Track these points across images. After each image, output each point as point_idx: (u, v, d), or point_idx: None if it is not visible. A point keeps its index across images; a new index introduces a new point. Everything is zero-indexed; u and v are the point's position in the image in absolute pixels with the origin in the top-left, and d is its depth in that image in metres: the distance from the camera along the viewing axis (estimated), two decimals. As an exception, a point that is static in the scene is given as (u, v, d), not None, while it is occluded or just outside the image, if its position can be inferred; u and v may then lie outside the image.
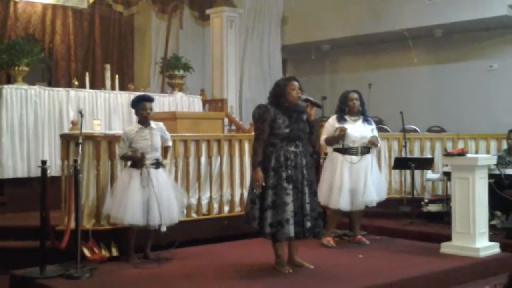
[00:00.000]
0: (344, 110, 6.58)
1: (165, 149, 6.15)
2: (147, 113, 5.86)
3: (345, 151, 6.45)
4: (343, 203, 6.38)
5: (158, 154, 5.88)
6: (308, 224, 5.20)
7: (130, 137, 5.80)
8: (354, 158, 6.46)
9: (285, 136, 5.21)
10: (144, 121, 5.88)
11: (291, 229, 5.11)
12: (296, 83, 5.33)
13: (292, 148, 5.25)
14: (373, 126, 6.79)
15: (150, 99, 6.02)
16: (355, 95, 6.62)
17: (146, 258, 5.89)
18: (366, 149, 6.56)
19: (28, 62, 8.52)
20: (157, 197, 5.68)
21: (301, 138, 5.31)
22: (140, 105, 5.90)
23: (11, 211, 7.57)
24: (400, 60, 12.94)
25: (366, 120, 6.64)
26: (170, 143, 6.18)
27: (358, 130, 6.52)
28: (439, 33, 12.07)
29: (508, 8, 10.58)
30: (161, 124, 6.07)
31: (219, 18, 11.36)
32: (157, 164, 5.85)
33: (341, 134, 6.37)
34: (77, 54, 11.20)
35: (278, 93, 5.33)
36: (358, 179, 6.48)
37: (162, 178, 5.85)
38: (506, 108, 10.47)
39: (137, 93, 8.17)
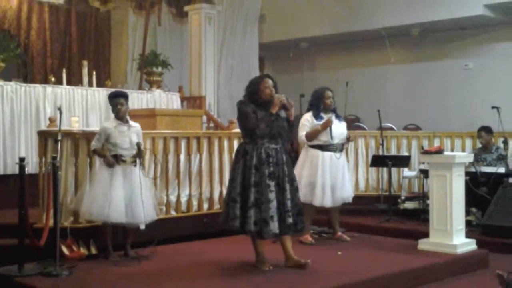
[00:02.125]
0: (319, 107, 6.63)
1: None
2: (119, 109, 5.83)
3: (326, 147, 6.50)
4: (327, 200, 6.45)
5: (134, 152, 5.83)
6: (290, 220, 5.21)
7: (108, 132, 5.76)
8: (337, 154, 6.55)
9: (266, 133, 5.22)
10: (119, 117, 5.85)
11: (275, 226, 5.12)
12: (269, 81, 5.34)
13: (273, 145, 5.27)
14: (345, 123, 6.88)
15: (124, 95, 5.97)
16: (330, 93, 6.69)
17: (127, 256, 5.85)
18: (342, 146, 6.67)
19: (4, 57, 8.43)
20: (138, 195, 5.65)
21: (281, 135, 5.34)
22: (113, 101, 5.88)
23: (-14, 209, 7.46)
24: (377, 58, 13.04)
25: (338, 117, 6.71)
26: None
27: (337, 127, 6.59)
28: (416, 32, 12.20)
29: (484, 8, 10.73)
30: (138, 126, 6.00)
31: (197, 15, 11.33)
32: (135, 162, 5.82)
33: (328, 125, 6.39)
34: (53, 50, 11.06)
35: (252, 91, 5.36)
36: (337, 176, 6.57)
37: (140, 176, 5.80)
38: (481, 106, 10.61)
39: (115, 90, 8.11)
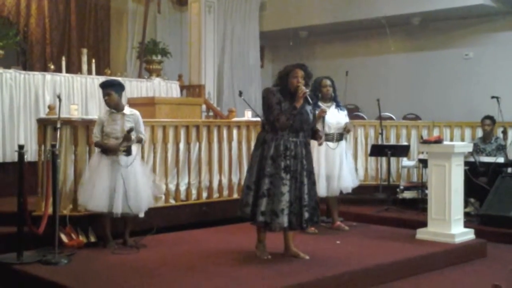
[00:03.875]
0: (318, 96, 6.61)
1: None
2: (106, 100, 5.81)
3: None
4: (321, 190, 6.43)
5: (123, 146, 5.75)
6: (307, 214, 5.16)
7: (102, 121, 5.76)
8: (331, 144, 6.54)
9: (287, 126, 5.13)
10: (109, 107, 5.81)
11: (285, 219, 5.07)
12: (300, 71, 5.20)
13: (293, 138, 5.19)
14: (345, 112, 6.86)
15: (110, 85, 5.90)
16: (328, 82, 6.67)
17: (125, 244, 5.86)
18: (340, 136, 6.65)
19: (3, 45, 8.40)
20: (125, 185, 5.63)
21: (303, 129, 5.25)
22: (102, 92, 5.88)
23: (-15, 196, 7.47)
24: (377, 47, 13.00)
25: (338, 106, 6.69)
26: (142, 137, 5.94)
27: (333, 117, 6.58)
28: (416, 21, 12.14)
29: (485, -3, 10.69)
30: (137, 113, 5.92)
31: (197, 3, 11.28)
32: (128, 151, 5.79)
33: (322, 115, 6.35)
34: (53, 37, 11.00)
35: (281, 78, 5.26)
36: (333, 165, 6.57)
37: (132, 165, 5.78)
38: (481, 96, 10.59)
39: (115, 78, 8.09)
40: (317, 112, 6.36)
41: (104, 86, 5.90)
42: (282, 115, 5.10)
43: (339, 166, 6.64)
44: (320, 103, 6.56)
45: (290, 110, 5.11)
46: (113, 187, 5.62)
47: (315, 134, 5.44)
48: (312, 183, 5.30)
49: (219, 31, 11.95)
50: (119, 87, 5.91)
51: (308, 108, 5.28)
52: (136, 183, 5.76)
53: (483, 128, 8.27)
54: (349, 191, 6.82)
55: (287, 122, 5.11)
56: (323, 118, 6.30)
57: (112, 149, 5.67)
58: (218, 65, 11.85)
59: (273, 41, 14.48)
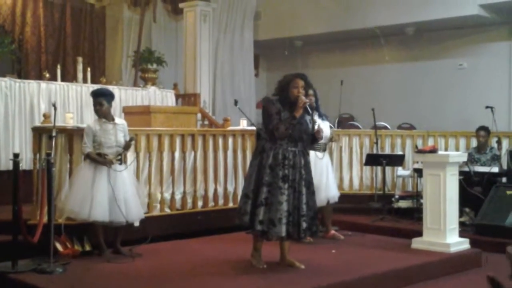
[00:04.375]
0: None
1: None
2: (97, 109, 5.77)
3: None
4: None
5: (120, 150, 5.78)
6: (305, 224, 5.14)
7: (94, 131, 5.70)
8: (319, 154, 6.55)
9: (285, 135, 5.13)
10: (100, 116, 5.78)
11: (283, 229, 5.05)
12: (300, 81, 5.20)
13: (291, 148, 5.18)
14: (328, 122, 6.86)
15: (102, 94, 5.86)
16: (311, 91, 6.67)
17: (117, 253, 5.83)
18: (325, 146, 6.68)
19: (-1, 53, 8.40)
20: (123, 193, 5.64)
21: (302, 139, 5.25)
22: (94, 101, 5.82)
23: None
24: (372, 57, 13.06)
25: (321, 116, 6.63)
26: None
27: (323, 127, 6.52)
28: (411, 31, 12.22)
29: (479, 8, 10.75)
30: (125, 124, 5.94)
31: (193, 12, 11.30)
32: (121, 160, 5.79)
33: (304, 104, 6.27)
34: (48, 46, 11.02)
35: (282, 87, 5.26)
36: (321, 176, 6.56)
37: (126, 174, 5.79)
38: (475, 106, 10.65)
39: (109, 87, 8.10)
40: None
41: (96, 95, 5.85)
42: (281, 124, 5.10)
43: (326, 175, 6.67)
44: None
45: (289, 120, 5.12)
46: (112, 196, 5.59)
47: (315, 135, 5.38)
48: (311, 193, 5.28)
49: (214, 40, 11.97)
50: (110, 97, 5.89)
51: (308, 118, 5.28)
52: (132, 191, 5.76)
53: (478, 139, 8.30)
54: (336, 200, 6.84)
55: (286, 132, 5.12)
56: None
57: (108, 163, 5.64)
58: (213, 74, 11.86)
59: (268, 50, 14.53)
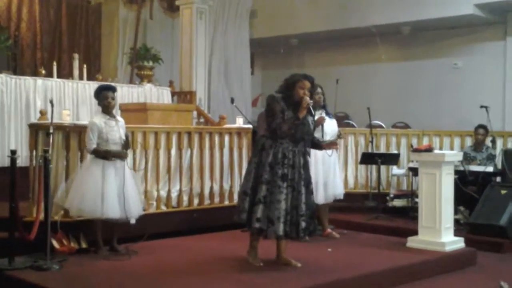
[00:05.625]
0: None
1: None
2: (108, 103, 5.77)
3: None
4: (319, 197, 6.48)
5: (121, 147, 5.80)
6: (303, 224, 5.15)
7: (100, 127, 5.70)
8: (328, 151, 6.53)
9: (288, 135, 5.15)
10: (108, 111, 5.80)
11: (281, 228, 5.06)
12: (307, 83, 5.22)
13: (291, 147, 5.19)
14: (335, 120, 6.91)
15: (113, 89, 5.93)
16: (319, 89, 6.69)
17: (113, 250, 5.83)
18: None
19: (-5, 49, 8.38)
20: (128, 189, 5.68)
21: (304, 139, 5.27)
22: (102, 95, 5.81)
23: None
24: (368, 56, 13.10)
25: (328, 114, 6.71)
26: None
27: (328, 125, 6.60)
28: (407, 30, 12.27)
29: (474, 7, 10.81)
30: (123, 121, 5.96)
31: (189, 10, 11.31)
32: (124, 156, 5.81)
33: (321, 123, 6.30)
34: (44, 42, 11.00)
35: (288, 86, 5.26)
36: (328, 173, 6.63)
37: (124, 171, 5.78)
38: (470, 105, 10.69)
39: (106, 84, 8.07)
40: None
41: (106, 89, 5.87)
42: (284, 124, 5.12)
43: (333, 172, 6.72)
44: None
45: (293, 120, 5.14)
46: (110, 192, 5.59)
47: (317, 145, 5.56)
48: (310, 193, 5.30)
49: (210, 37, 11.97)
50: (115, 93, 5.99)
51: (310, 118, 5.31)
52: (130, 188, 5.77)
53: (476, 137, 8.33)
54: (341, 197, 6.89)
55: (288, 132, 5.13)
56: (322, 125, 6.33)
57: (120, 156, 5.67)
58: (209, 72, 11.86)
59: (264, 48, 14.54)
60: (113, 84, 7.60)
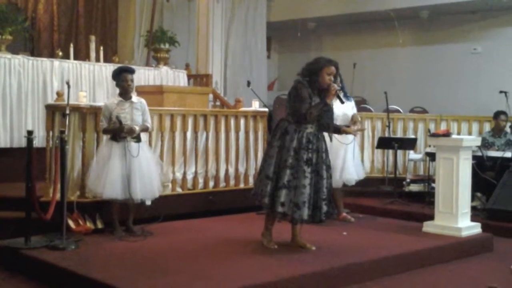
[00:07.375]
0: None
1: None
2: (128, 85, 5.78)
3: None
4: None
5: (138, 128, 5.77)
6: (325, 208, 5.18)
7: (110, 109, 5.73)
8: (337, 135, 6.35)
9: (314, 120, 5.15)
10: (124, 93, 5.81)
11: (306, 212, 5.06)
12: (333, 69, 5.19)
13: (315, 132, 5.19)
14: (353, 103, 6.78)
15: (131, 71, 5.94)
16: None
17: (128, 231, 5.86)
18: (347, 127, 6.45)
19: (12, 30, 8.39)
20: (137, 171, 5.66)
21: (328, 125, 5.29)
22: (121, 77, 5.82)
23: (-7, 181, 7.48)
24: (385, 40, 12.98)
25: (345, 96, 6.30)
26: (148, 125, 5.94)
27: (339, 108, 6.22)
28: (425, 14, 12.12)
29: (495, -9, 10.66)
30: (143, 101, 5.93)
31: (206, -7, 11.25)
32: (138, 138, 5.79)
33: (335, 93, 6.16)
34: (60, 24, 11.00)
35: (313, 71, 5.20)
36: (336, 156, 6.50)
37: (142, 152, 5.78)
38: (488, 91, 10.57)
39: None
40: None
41: (125, 70, 5.91)
42: (314, 109, 5.09)
43: (343, 157, 6.61)
44: None
45: (321, 106, 5.12)
46: (126, 174, 5.60)
47: (337, 130, 5.62)
48: (330, 177, 5.31)
49: (227, 20, 11.91)
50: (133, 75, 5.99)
51: (332, 104, 5.32)
52: (148, 170, 5.79)
53: (498, 122, 8.23)
54: (352, 183, 6.78)
55: (317, 117, 5.13)
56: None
57: (120, 129, 5.61)
58: (225, 55, 11.81)
59: (281, 32, 14.46)
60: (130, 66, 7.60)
